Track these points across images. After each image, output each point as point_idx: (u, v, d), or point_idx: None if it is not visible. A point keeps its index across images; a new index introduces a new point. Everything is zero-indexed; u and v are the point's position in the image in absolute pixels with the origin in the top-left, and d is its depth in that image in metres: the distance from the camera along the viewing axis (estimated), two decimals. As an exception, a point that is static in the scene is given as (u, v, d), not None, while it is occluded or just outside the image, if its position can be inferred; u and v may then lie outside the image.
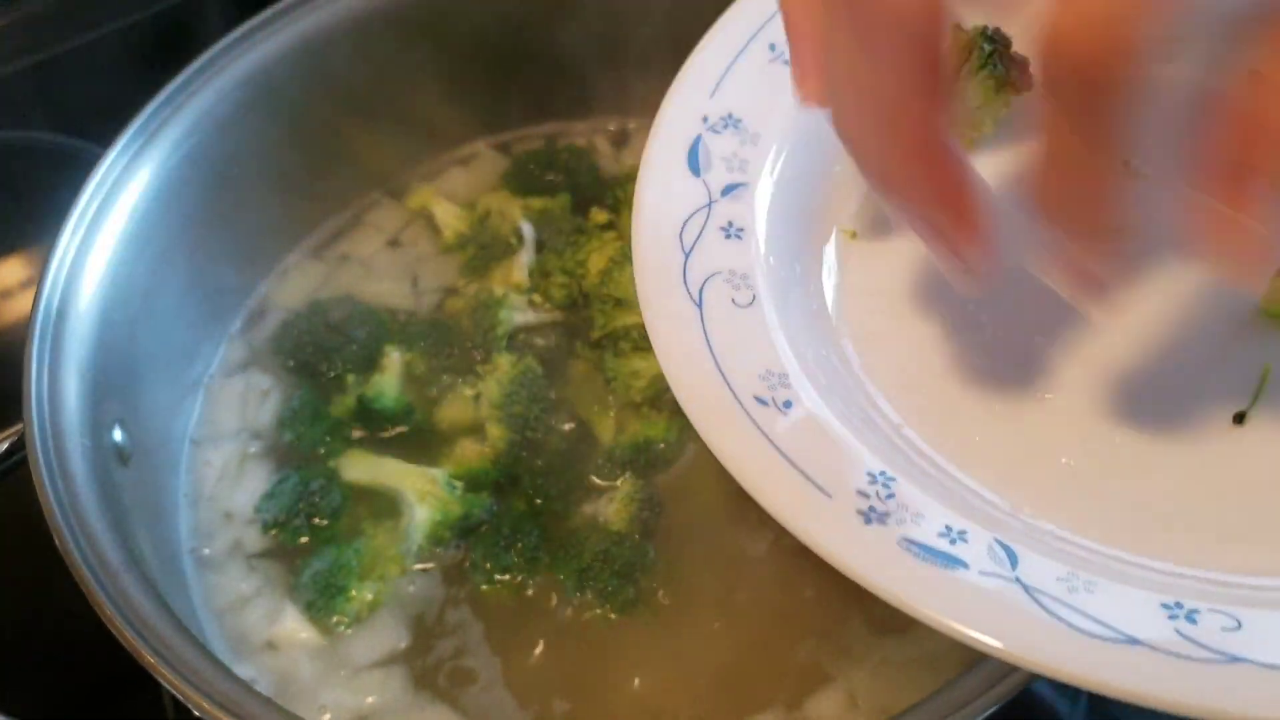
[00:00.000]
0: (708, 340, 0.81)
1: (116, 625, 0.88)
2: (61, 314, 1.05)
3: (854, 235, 0.92)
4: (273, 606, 1.11)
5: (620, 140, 1.51)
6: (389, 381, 1.23)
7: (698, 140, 0.91)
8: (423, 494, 1.12)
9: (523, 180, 1.41)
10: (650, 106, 1.51)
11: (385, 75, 1.35)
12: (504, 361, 1.20)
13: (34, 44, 1.62)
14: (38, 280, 1.05)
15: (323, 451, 1.20)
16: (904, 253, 0.90)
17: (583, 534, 1.10)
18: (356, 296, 1.33)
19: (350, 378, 1.24)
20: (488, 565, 1.10)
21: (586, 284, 1.27)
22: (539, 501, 1.14)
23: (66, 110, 1.59)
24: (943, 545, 0.71)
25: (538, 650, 1.08)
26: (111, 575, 0.91)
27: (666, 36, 1.40)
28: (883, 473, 0.75)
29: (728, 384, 0.78)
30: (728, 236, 0.87)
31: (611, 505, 1.12)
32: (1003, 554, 0.71)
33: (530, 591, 1.10)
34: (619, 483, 1.14)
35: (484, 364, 1.22)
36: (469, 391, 1.20)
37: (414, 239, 1.40)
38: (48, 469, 0.96)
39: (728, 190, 0.89)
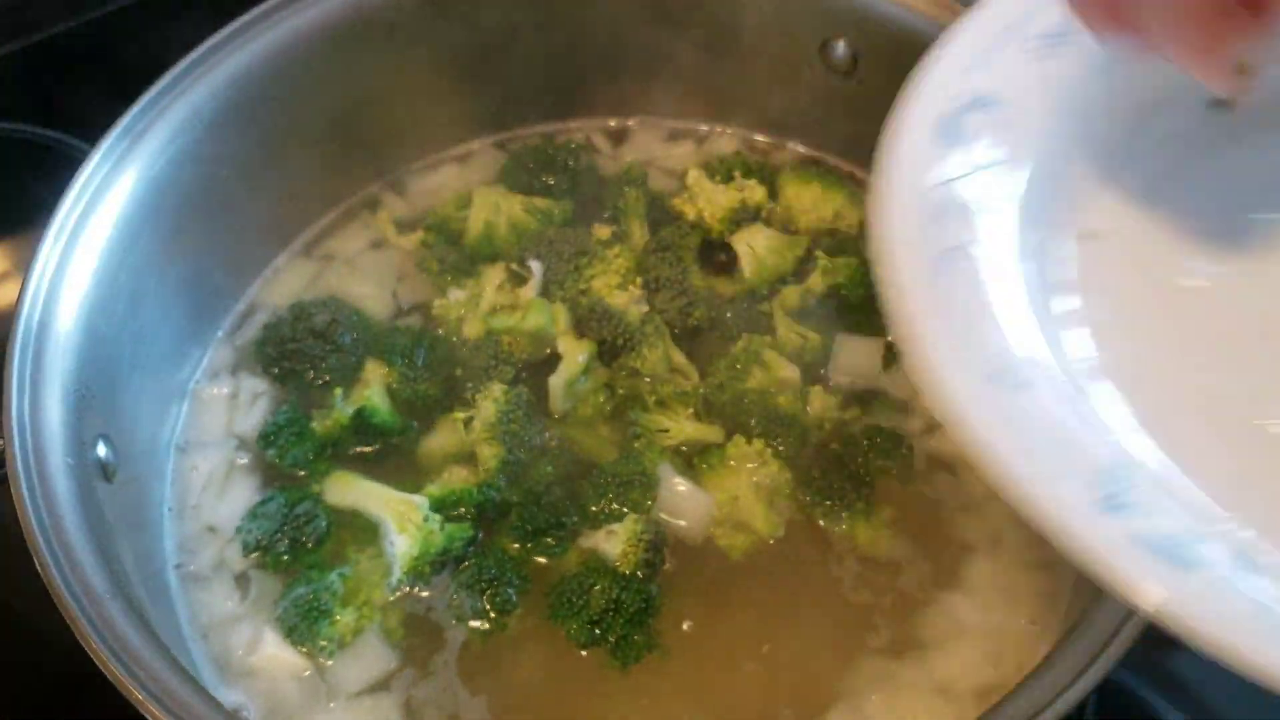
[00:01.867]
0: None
1: (102, 657, 0.85)
2: (43, 329, 1.01)
3: (1094, 237, 0.85)
4: (257, 628, 1.08)
5: (619, 138, 1.47)
6: (380, 394, 1.20)
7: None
8: (403, 523, 1.09)
9: (520, 177, 1.38)
10: (649, 105, 1.50)
11: (379, 73, 1.31)
12: (497, 386, 1.17)
13: (14, 32, 1.57)
14: (18, 292, 1.02)
15: (304, 474, 1.17)
16: (1147, 253, 0.84)
17: (586, 578, 1.06)
18: (341, 297, 1.30)
19: (337, 390, 1.20)
20: (466, 607, 1.07)
21: (586, 301, 1.24)
22: (529, 545, 1.11)
23: (48, 102, 1.54)
24: None
25: (530, 693, 1.05)
26: (97, 603, 0.88)
27: (665, 36, 1.37)
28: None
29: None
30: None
31: (616, 545, 1.08)
32: None
33: (513, 633, 1.07)
34: (624, 520, 1.10)
35: (477, 392, 1.18)
36: (460, 415, 1.17)
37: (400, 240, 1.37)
38: (30, 492, 0.92)
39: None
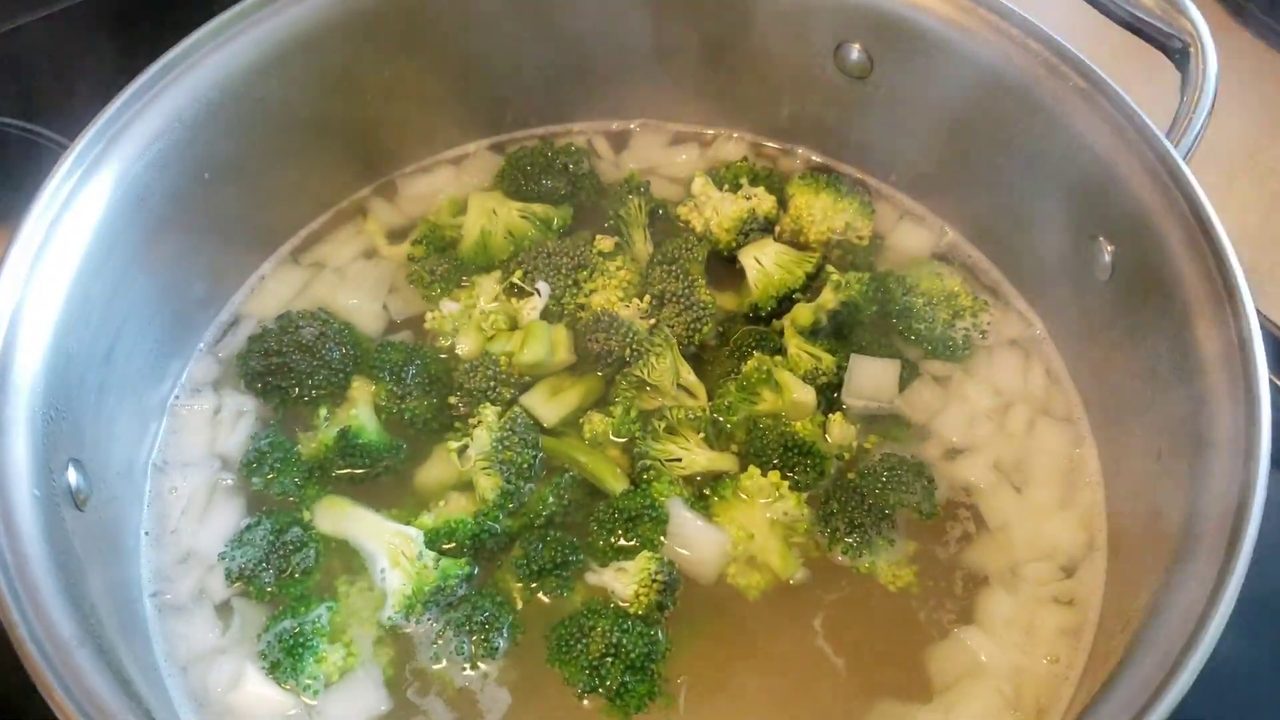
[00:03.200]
0: None
1: (69, 714, 0.79)
2: (7, 352, 0.94)
3: None
4: (238, 664, 1.02)
5: (620, 141, 1.41)
6: (367, 413, 1.14)
7: None
8: (396, 557, 1.03)
9: (517, 181, 1.31)
10: (653, 107, 1.44)
11: (369, 72, 1.24)
12: (489, 411, 1.11)
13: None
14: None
15: (294, 499, 1.11)
16: None
17: (586, 620, 1.00)
18: (330, 308, 1.23)
19: (321, 410, 1.14)
20: (452, 648, 1.01)
21: (587, 314, 1.19)
22: (533, 584, 1.05)
23: (28, 94, 1.47)
24: None
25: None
26: (63, 651, 0.82)
27: (669, 34, 1.31)
28: None
29: None
30: None
31: (628, 585, 1.02)
32: None
33: (512, 677, 1.02)
34: (635, 558, 1.04)
35: (471, 415, 1.12)
36: (453, 445, 1.11)
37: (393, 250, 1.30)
38: (-9, 534, 0.86)
39: None
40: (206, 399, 1.19)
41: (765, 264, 1.24)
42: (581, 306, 1.20)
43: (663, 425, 1.11)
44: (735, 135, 1.40)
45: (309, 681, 1.00)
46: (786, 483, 1.08)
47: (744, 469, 1.10)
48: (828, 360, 1.16)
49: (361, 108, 1.27)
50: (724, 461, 1.11)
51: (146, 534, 1.10)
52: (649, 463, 1.09)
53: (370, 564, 1.05)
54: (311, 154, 1.26)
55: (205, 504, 1.12)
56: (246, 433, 1.16)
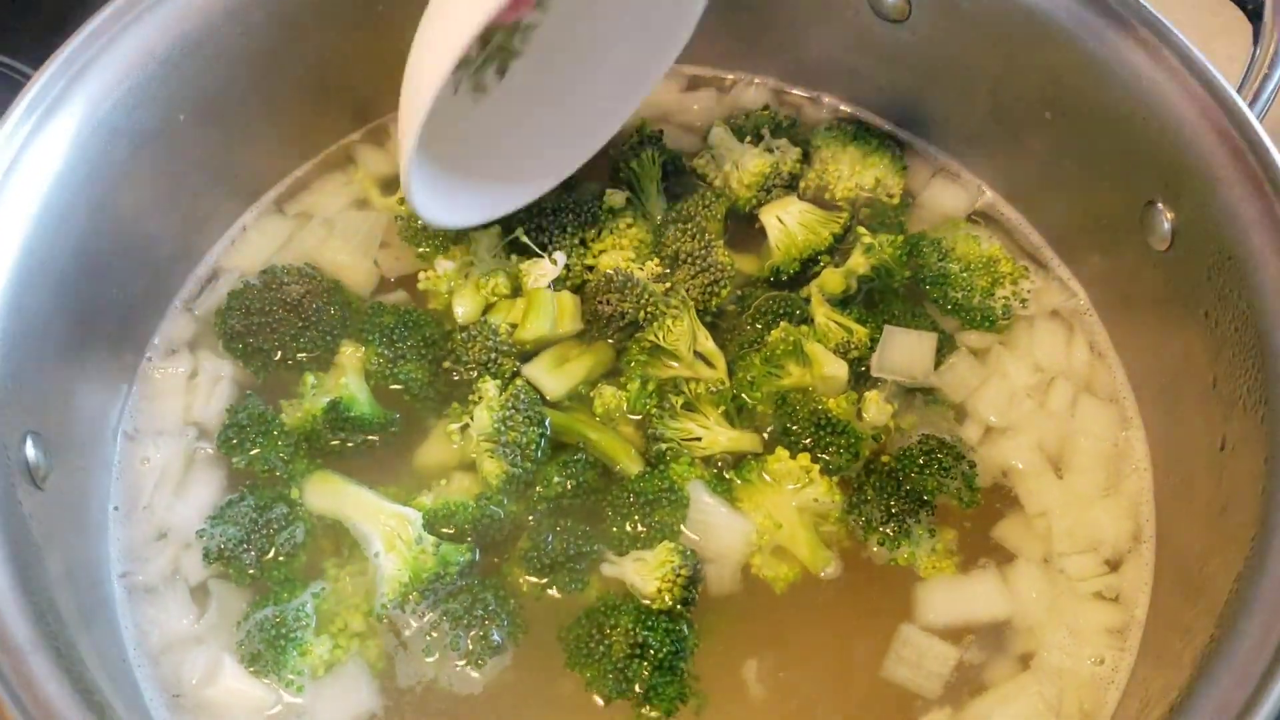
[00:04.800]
0: None
1: (19, 728, 0.71)
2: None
3: None
4: (215, 655, 0.94)
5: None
6: (357, 383, 1.05)
7: None
8: (392, 540, 0.95)
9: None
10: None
11: (363, 2, 1.13)
12: (489, 385, 1.02)
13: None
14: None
15: (281, 474, 1.02)
16: None
17: (605, 617, 0.92)
18: (317, 264, 1.14)
19: (307, 377, 1.05)
20: (447, 642, 0.93)
21: (595, 275, 1.10)
22: (544, 580, 0.97)
23: None
24: None
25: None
26: (15, 657, 0.74)
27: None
28: None
29: None
30: None
31: (648, 580, 0.94)
32: None
33: (525, 680, 0.94)
34: (655, 549, 0.96)
35: (470, 391, 1.03)
36: (453, 426, 1.02)
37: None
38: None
39: None
40: (182, 361, 1.10)
41: (788, 223, 1.14)
42: (589, 268, 1.11)
43: (680, 401, 1.02)
44: (757, 80, 1.30)
45: (292, 676, 0.92)
46: (818, 466, 0.99)
47: (770, 450, 1.01)
48: (860, 332, 1.07)
49: (352, 43, 1.16)
50: (747, 441, 1.02)
51: (115, 509, 1.02)
52: (666, 443, 1.01)
53: (364, 546, 0.97)
54: (298, 94, 1.15)
55: (181, 476, 1.04)
56: (225, 399, 1.07)
